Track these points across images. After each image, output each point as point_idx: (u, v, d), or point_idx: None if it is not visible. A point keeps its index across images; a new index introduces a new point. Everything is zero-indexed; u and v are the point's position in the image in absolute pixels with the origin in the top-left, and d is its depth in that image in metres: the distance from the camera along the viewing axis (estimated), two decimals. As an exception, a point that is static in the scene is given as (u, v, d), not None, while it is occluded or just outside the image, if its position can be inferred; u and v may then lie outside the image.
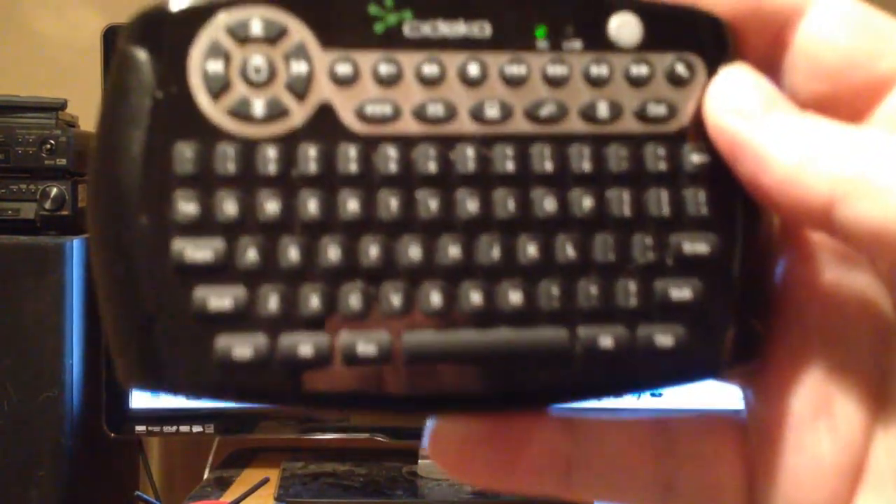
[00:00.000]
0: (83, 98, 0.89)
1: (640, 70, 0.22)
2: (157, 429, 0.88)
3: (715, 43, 0.22)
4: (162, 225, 0.20)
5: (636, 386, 0.22)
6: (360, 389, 0.21)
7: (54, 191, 0.87)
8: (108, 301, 0.21)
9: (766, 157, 0.20)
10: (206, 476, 0.96)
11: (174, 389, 0.21)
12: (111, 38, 0.87)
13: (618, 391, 0.22)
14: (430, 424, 0.23)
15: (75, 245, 0.84)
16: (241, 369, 0.20)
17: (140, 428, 0.88)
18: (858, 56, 0.21)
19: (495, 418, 0.22)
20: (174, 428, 0.88)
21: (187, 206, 0.20)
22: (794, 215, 0.21)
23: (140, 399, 0.87)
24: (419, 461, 0.92)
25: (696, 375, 0.22)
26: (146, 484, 0.99)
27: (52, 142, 0.87)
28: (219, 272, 0.20)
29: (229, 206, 0.20)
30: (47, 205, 0.87)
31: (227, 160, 0.20)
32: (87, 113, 0.90)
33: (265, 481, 0.90)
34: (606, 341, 0.21)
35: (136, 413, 0.88)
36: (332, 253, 0.20)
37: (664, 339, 0.21)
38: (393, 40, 0.21)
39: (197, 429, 0.88)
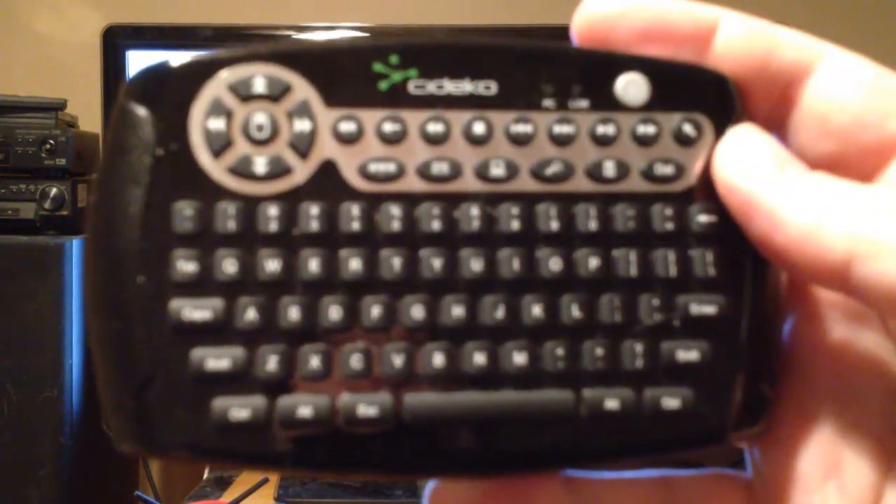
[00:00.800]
0: (83, 98, 0.89)
1: (647, 129, 0.21)
2: (157, 429, 0.87)
3: (721, 102, 0.22)
4: (160, 284, 0.20)
5: (642, 449, 0.21)
6: (361, 452, 0.20)
7: (54, 191, 0.87)
8: (103, 361, 0.20)
9: (781, 216, 0.20)
10: (205, 476, 0.96)
11: (169, 452, 0.20)
12: (111, 37, 0.86)
13: (623, 455, 0.22)
14: (430, 486, 0.22)
15: (75, 245, 0.83)
16: (238, 431, 0.20)
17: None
18: (868, 116, 0.21)
19: (497, 479, 0.22)
20: (174, 428, 0.87)
21: (186, 266, 0.20)
22: (809, 274, 0.20)
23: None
24: (419, 462, 0.92)
25: (703, 440, 0.21)
26: (146, 484, 0.99)
27: (51, 142, 0.86)
28: (217, 332, 0.20)
29: (229, 266, 0.20)
30: (47, 205, 0.86)
31: (227, 218, 0.20)
32: (87, 113, 0.90)
33: (265, 481, 0.90)
34: (612, 404, 0.21)
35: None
36: (334, 312, 0.20)
37: (671, 401, 0.21)
38: (398, 98, 0.21)
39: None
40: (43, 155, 0.86)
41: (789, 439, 0.22)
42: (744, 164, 0.21)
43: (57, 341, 0.82)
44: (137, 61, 0.87)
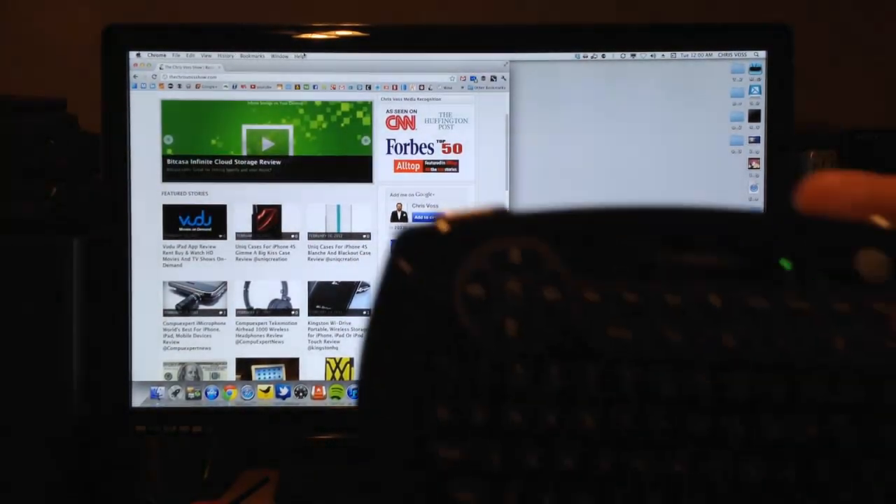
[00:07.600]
0: (83, 98, 0.88)
1: (885, 309, 0.22)
2: (157, 429, 0.88)
3: None
4: (419, 428, 0.23)
5: None
6: None
7: (54, 190, 0.86)
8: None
9: None
10: (206, 476, 0.96)
11: None
12: (111, 37, 0.86)
13: None
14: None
15: (75, 245, 0.83)
16: None
17: (140, 428, 0.88)
18: None
19: None
20: (174, 428, 0.88)
21: (446, 414, 0.23)
22: None
23: (140, 399, 0.87)
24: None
25: None
26: (146, 484, 0.99)
27: (52, 141, 0.86)
28: (468, 470, 0.22)
29: (479, 415, 0.22)
30: (47, 205, 0.86)
31: (482, 375, 0.22)
32: (87, 113, 0.89)
33: (265, 481, 0.90)
34: None
35: (136, 413, 0.88)
36: (569, 460, 0.22)
37: None
38: (644, 272, 0.23)
39: (197, 429, 0.88)
40: (43, 155, 0.86)
41: None
42: None
43: (57, 341, 0.82)
44: (138, 61, 0.87)
